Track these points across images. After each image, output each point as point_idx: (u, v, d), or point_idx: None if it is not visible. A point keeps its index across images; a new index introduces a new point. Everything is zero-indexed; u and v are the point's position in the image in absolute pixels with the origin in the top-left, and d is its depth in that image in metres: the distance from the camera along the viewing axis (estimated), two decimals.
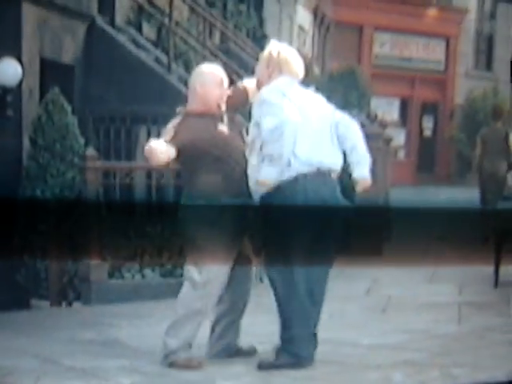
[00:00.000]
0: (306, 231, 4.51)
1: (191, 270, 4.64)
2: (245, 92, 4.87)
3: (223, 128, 4.72)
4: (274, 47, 4.74)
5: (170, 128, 4.71)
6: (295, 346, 4.56)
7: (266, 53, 4.72)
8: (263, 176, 4.51)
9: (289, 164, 4.48)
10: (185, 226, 4.71)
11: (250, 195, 4.64)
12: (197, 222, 4.61)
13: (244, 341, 4.96)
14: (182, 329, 4.65)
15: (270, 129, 4.46)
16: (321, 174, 4.54)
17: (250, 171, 4.62)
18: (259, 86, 4.70)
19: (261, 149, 4.51)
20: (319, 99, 4.74)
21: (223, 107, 4.77)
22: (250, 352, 4.89)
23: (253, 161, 4.58)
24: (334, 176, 4.63)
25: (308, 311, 4.58)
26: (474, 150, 10.50)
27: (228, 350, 4.85)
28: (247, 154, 4.67)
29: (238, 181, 4.61)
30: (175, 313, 4.70)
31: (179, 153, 4.62)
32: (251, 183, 4.61)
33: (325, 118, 4.65)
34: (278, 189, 4.50)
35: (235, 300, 4.80)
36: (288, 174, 4.49)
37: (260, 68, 4.72)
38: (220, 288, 4.66)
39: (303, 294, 4.54)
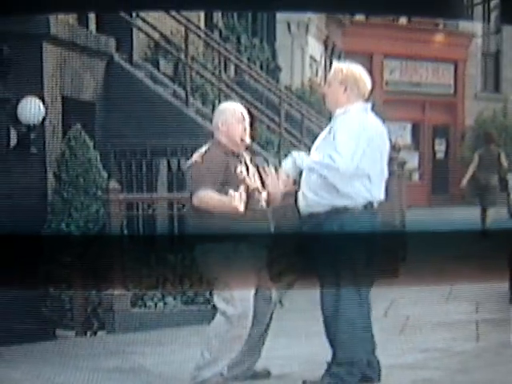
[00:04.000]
0: (359, 255, 4.55)
1: (223, 305, 4.59)
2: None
3: (242, 169, 4.72)
4: (346, 66, 4.72)
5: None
6: (346, 370, 4.53)
7: (339, 72, 4.68)
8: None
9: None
10: (209, 262, 4.67)
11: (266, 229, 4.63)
12: (220, 258, 4.57)
13: (266, 364, 4.89)
14: (215, 363, 4.59)
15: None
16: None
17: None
18: (333, 103, 4.67)
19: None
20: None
21: (247, 141, 4.79)
22: (265, 375, 4.82)
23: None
24: None
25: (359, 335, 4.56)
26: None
27: (246, 373, 4.77)
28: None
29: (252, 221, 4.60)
30: (207, 348, 4.61)
31: None
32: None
33: None
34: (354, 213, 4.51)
35: (253, 327, 4.73)
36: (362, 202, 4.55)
37: (334, 88, 4.67)
38: (251, 318, 4.61)
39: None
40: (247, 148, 4.87)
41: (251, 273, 4.60)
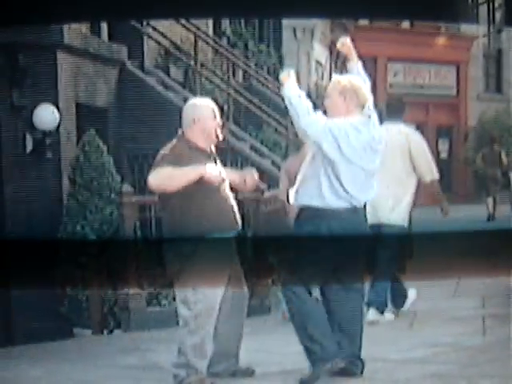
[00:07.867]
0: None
1: (180, 307, 4.49)
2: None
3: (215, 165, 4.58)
4: (344, 78, 4.69)
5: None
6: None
7: (338, 83, 4.63)
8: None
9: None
10: (170, 261, 4.52)
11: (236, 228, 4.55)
12: (182, 256, 4.41)
13: (280, 360, 4.84)
14: (188, 363, 4.49)
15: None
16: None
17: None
18: (333, 114, 4.63)
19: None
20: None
21: (220, 137, 4.67)
22: (249, 373, 4.70)
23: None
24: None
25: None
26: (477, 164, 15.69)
27: (226, 371, 4.65)
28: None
29: (223, 215, 4.49)
30: (180, 349, 4.54)
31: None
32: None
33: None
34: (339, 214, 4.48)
35: (225, 325, 4.58)
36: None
37: (334, 99, 4.62)
38: (212, 319, 4.48)
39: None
40: (217, 147, 4.71)
41: (218, 271, 4.45)
